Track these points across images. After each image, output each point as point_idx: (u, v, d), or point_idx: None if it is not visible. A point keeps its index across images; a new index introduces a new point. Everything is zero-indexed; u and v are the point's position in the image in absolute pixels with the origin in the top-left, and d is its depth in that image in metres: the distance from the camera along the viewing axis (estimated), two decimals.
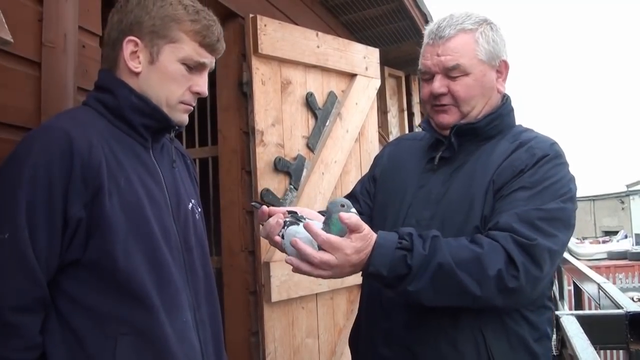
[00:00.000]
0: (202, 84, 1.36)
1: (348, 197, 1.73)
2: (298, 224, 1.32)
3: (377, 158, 1.77)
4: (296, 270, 1.30)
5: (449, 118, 1.50)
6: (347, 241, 1.26)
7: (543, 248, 1.30)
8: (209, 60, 1.36)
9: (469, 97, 1.48)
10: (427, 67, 1.51)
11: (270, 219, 1.36)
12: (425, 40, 1.53)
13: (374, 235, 1.30)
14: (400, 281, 1.29)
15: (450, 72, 1.47)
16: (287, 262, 1.31)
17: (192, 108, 1.39)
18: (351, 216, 1.26)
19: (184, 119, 1.38)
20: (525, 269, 1.28)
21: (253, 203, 1.52)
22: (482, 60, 1.47)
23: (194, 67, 1.34)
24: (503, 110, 1.53)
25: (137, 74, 1.32)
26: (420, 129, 1.69)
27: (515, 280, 1.28)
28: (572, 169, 1.45)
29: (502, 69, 1.53)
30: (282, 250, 1.35)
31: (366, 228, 1.28)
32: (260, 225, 1.42)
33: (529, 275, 1.29)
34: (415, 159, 1.60)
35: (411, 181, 1.55)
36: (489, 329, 1.38)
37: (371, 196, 1.67)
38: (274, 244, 1.37)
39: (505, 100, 1.56)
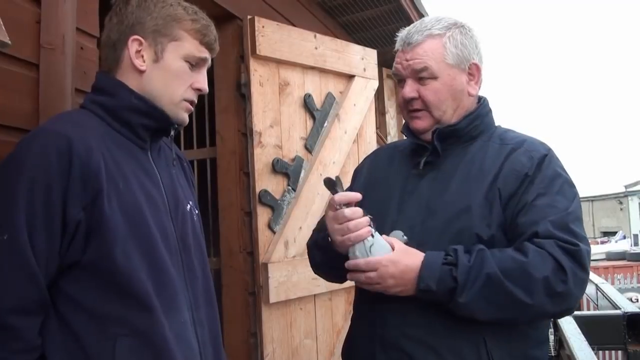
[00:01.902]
0: (202, 81, 1.39)
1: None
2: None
3: (356, 172, 1.78)
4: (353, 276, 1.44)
5: (422, 124, 1.52)
6: (384, 257, 1.38)
7: (585, 251, 1.36)
8: (208, 56, 1.40)
9: (438, 102, 1.50)
10: (398, 70, 1.55)
11: (361, 222, 1.39)
12: (397, 46, 1.56)
13: (413, 252, 1.39)
14: (450, 295, 1.35)
15: (419, 75, 1.49)
16: (354, 264, 1.42)
17: (192, 108, 1.40)
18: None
19: (186, 117, 1.39)
20: (573, 273, 1.33)
21: (331, 178, 1.45)
22: (449, 64, 1.50)
23: (195, 64, 1.37)
24: (482, 111, 1.55)
25: (141, 72, 1.33)
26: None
27: (563, 284, 1.32)
28: (571, 170, 1.51)
29: (473, 71, 1.54)
30: (347, 249, 1.42)
31: (396, 246, 1.41)
32: (337, 223, 1.43)
33: (576, 279, 1.34)
34: (398, 165, 1.61)
35: (398, 187, 1.55)
36: (490, 334, 1.39)
37: None
38: (344, 244, 1.42)
39: (482, 101, 1.58)
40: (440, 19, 1.54)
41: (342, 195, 1.41)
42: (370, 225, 1.40)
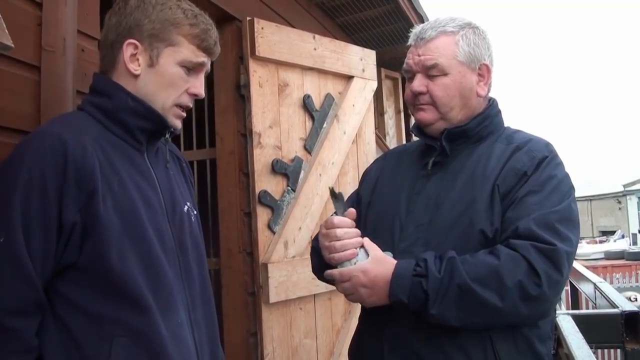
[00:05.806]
0: (199, 86, 1.38)
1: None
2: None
3: (364, 174, 1.79)
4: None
5: (426, 115, 1.52)
6: (355, 266, 1.42)
7: (562, 252, 1.34)
8: (207, 60, 1.38)
9: (446, 98, 1.50)
10: (409, 66, 1.55)
11: (348, 243, 1.44)
12: (409, 42, 1.57)
13: (386, 261, 1.41)
14: (423, 306, 1.35)
15: (430, 71, 1.50)
16: (329, 274, 1.47)
17: (185, 115, 1.40)
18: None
19: (176, 124, 1.38)
20: (547, 276, 1.31)
21: (335, 192, 1.50)
22: (461, 61, 1.50)
23: (192, 69, 1.36)
24: (491, 112, 1.56)
25: (135, 76, 1.33)
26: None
27: (537, 287, 1.31)
28: (569, 169, 1.51)
29: (483, 72, 1.54)
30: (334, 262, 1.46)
31: (371, 254, 1.44)
32: (331, 242, 1.46)
33: (551, 281, 1.32)
34: (408, 167, 1.62)
35: (406, 188, 1.56)
36: (497, 332, 1.39)
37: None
38: (330, 261, 1.46)
39: (491, 102, 1.59)
40: (454, 18, 1.55)
41: (340, 220, 1.46)
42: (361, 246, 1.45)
